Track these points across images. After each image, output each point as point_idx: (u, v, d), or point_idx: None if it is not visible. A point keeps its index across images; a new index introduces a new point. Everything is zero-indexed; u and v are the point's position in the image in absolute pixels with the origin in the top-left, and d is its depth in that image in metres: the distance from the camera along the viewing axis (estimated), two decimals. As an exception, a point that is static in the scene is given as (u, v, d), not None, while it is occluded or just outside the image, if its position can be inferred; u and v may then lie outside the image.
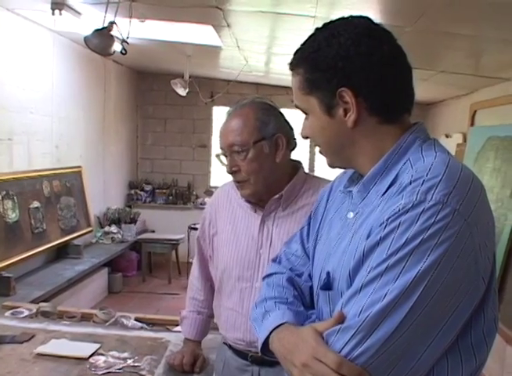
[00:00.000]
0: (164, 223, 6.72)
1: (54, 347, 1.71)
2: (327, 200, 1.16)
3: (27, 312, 2.31)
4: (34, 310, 2.36)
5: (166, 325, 2.32)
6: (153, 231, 6.73)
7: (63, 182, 4.83)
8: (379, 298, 0.81)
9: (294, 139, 1.58)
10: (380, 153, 0.97)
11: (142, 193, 7.05)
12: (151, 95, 7.11)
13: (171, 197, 7.02)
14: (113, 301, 5.11)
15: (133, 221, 6.26)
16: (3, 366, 1.62)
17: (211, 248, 1.69)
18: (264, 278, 1.21)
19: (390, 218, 0.86)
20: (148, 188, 7.13)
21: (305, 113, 1.04)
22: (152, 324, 2.36)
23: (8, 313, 2.29)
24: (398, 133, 0.97)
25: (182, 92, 5.28)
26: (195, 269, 1.80)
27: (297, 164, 1.64)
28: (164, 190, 7.09)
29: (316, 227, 1.15)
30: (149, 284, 5.88)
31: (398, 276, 0.81)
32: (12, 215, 3.89)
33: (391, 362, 0.82)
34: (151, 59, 5.87)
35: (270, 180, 1.53)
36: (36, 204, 4.26)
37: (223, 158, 1.58)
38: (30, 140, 4.33)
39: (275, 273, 1.17)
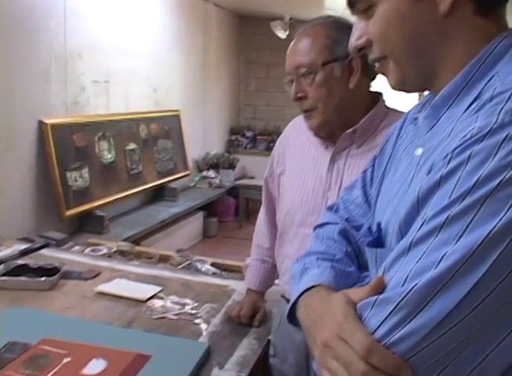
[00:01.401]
0: (263, 170, 6.62)
1: (115, 286, 1.71)
2: (398, 135, 0.92)
3: (105, 250, 2.34)
4: (114, 249, 2.39)
5: (242, 272, 2.26)
6: (253, 177, 6.72)
7: (161, 125, 4.87)
8: (432, 262, 0.58)
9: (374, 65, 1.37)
10: (469, 59, 0.71)
11: (242, 139, 7.04)
12: (254, 40, 6.97)
13: (271, 144, 6.94)
14: (208, 246, 5.20)
15: (232, 166, 6.27)
16: (64, 300, 1.64)
17: (277, 189, 1.55)
18: (315, 228, 1.03)
19: (457, 148, 0.61)
20: (249, 134, 7.10)
21: (365, 10, 0.78)
22: (228, 271, 2.32)
23: (88, 250, 2.34)
24: (491, 33, 0.71)
25: (282, 34, 5.12)
26: (262, 214, 1.68)
27: (378, 96, 1.41)
28: (265, 137, 7.03)
29: (382, 169, 0.92)
30: (245, 231, 5.89)
31: (463, 234, 0.57)
32: (108, 156, 3.99)
33: (443, 358, 0.60)
34: (252, 1, 5.70)
35: (341, 109, 1.33)
36: (132, 145, 4.35)
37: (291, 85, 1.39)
38: (128, 83, 4.37)
39: (327, 223, 0.99)
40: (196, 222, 5.25)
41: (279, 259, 1.53)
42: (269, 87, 7.07)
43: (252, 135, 7.10)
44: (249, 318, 1.58)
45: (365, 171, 1.00)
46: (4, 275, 1.72)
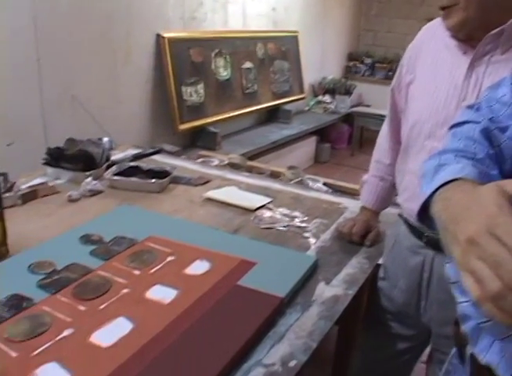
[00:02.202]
0: (379, 99, 6.32)
1: (224, 194, 1.67)
2: None
3: (216, 162, 2.32)
4: (225, 162, 2.36)
5: (355, 195, 2.16)
6: (369, 106, 6.45)
7: (278, 45, 4.73)
8: None
9: None
10: None
11: (361, 65, 6.72)
12: (379, -42, 6.51)
13: (390, 73, 6.56)
14: (319, 170, 5.10)
15: (348, 93, 6.04)
16: (172, 203, 1.63)
17: (404, 100, 1.37)
18: (451, 127, 0.90)
19: None
20: (368, 61, 6.75)
21: None
22: (340, 192, 2.22)
23: (199, 160, 2.32)
24: None
25: None
26: (384, 128, 1.53)
27: None
28: (385, 65, 6.65)
29: None
30: (357, 159, 5.73)
31: None
32: (224, 74, 3.94)
33: None
34: None
35: (487, 6, 1.11)
36: (248, 64, 4.26)
37: None
38: (246, 0, 4.24)
39: (466, 122, 0.85)
40: (308, 146, 5.15)
41: (400, 175, 1.40)
42: (391, 12, 6.61)
43: (371, 62, 6.75)
44: (361, 236, 1.48)
45: None
46: (116, 175, 1.74)
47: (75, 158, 1.76)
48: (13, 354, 0.91)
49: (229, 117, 3.98)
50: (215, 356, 0.91)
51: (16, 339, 0.95)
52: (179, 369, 0.88)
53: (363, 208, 1.56)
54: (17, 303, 1.06)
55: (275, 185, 1.84)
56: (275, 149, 4.30)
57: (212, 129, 3.70)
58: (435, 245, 1.23)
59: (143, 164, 1.84)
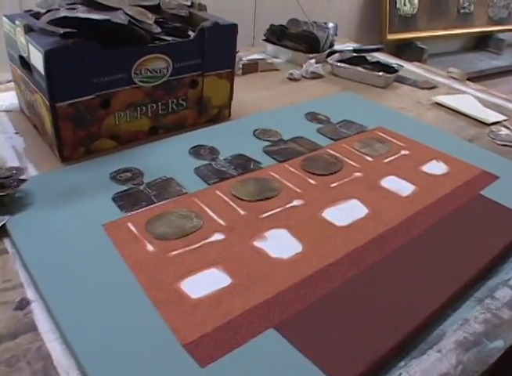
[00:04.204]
0: None
1: (455, 101, 1.49)
2: None
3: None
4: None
5: None
6: None
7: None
8: None
9: None
10: None
11: None
12: None
13: None
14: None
15: None
16: (398, 101, 1.49)
17: None
18: None
19: None
20: None
21: None
22: None
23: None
24: None
25: None
26: None
27: None
28: None
29: None
30: None
31: None
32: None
33: None
34: None
35: None
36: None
37: None
38: None
39: None
40: (512, 83, 4.65)
41: None
42: None
43: None
44: None
45: None
46: (339, 62, 1.62)
47: (299, 38, 1.66)
48: (241, 212, 0.86)
49: (438, 36, 3.64)
50: (461, 265, 0.79)
51: (243, 198, 0.90)
52: (422, 268, 0.77)
53: None
54: (244, 163, 1.01)
55: (509, 105, 1.61)
56: (479, 79, 3.90)
57: (420, 45, 3.42)
58: None
59: (368, 55, 1.69)
